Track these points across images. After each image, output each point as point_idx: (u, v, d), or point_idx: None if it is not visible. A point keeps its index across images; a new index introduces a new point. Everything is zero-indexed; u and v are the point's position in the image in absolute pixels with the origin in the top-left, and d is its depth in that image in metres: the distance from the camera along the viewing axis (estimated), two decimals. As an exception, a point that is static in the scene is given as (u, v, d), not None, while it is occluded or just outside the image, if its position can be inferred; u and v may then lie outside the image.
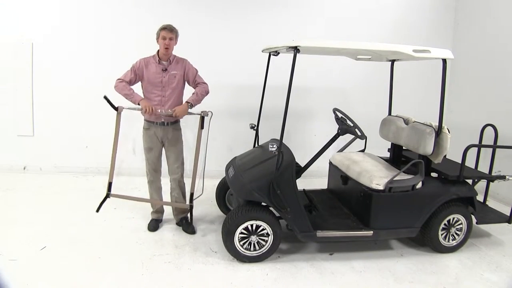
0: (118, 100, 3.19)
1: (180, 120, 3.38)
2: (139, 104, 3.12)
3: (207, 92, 3.35)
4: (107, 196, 3.22)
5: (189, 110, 3.23)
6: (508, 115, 4.43)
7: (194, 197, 3.31)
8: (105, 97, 3.01)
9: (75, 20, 4.85)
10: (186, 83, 3.37)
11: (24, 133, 4.99)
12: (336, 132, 3.18)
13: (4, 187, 4.41)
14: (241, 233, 2.87)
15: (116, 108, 3.12)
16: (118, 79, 3.19)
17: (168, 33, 3.12)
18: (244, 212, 2.86)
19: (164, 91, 3.22)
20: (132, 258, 2.95)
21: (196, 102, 3.26)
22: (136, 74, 3.20)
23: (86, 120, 4.99)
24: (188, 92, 3.38)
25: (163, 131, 3.27)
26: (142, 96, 3.27)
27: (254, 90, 4.28)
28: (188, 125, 3.65)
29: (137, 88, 3.31)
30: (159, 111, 3.14)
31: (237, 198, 3.27)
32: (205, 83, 3.36)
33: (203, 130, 3.29)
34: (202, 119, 3.27)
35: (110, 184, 3.26)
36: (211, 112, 3.32)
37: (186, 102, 3.22)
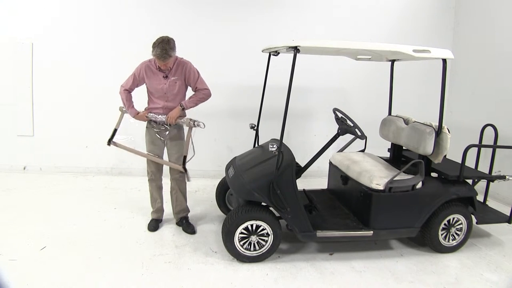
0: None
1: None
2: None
3: (206, 98, 3.29)
4: (109, 142, 3.41)
5: (180, 121, 3.23)
6: (508, 115, 4.43)
7: (187, 159, 3.34)
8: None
9: (75, 20, 4.85)
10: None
11: (24, 133, 4.99)
12: (336, 132, 3.18)
13: (4, 187, 4.41)
14: (241, 233, 2.87)
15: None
16: (122, 85, 3.25)
17: (164, 61, 2.99)
18: (244, 212, 2.85)
19: (166, 97, 3.21)
20: (132, 258, 2.94)
21: (189, 105, 3.24)
22: (138, 81, 3.23)
23: (86, 120, 4.99)
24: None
25: (166, 130, 3.27)
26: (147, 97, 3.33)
27: (254, 90, 4.28)
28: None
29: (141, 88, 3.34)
30: (150, 115, 3.22)
31: (237, 198, 3.26)
32: (205, 89, 3.28)
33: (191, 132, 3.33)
34: (190, 129, 3.30)
35: (115, 131, 3.43)
36: (203, 123, 3.24)
37: (180, 104, 3.21)
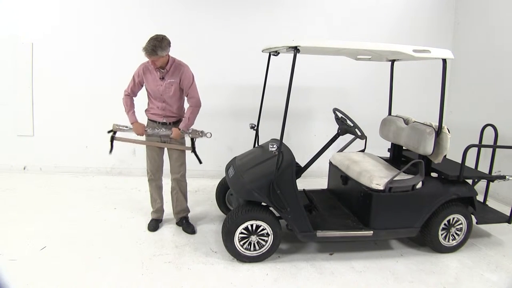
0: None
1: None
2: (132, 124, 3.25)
3: (197, 109, 3.29)
4: (112, 137, 3.31)
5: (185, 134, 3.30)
6: (508, 115, 4.43)
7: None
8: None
9: (75, 20, 4.85)
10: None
11: (24, 133, 4.99)
12: (336, 132, 3.18)
13: (4, 187, 4.41)
14: (241, 233, 2.87)
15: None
16: (125, 91, 3.25)
17: (149, 57, 2.96)
18: (244, 212, 2.86)
19: (163, 98, 3.21)
20: (132, 258, 2.95)
21: (188, 127, 3.27)
22: (138, 82, 3.23)
23: (86, 120, 4.99)
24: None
25: (166, 130, 3.27)
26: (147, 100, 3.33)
27: (254, 90, 4.28)
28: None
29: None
30: (149, 129, 3.23)
31: (237, 198, 3.27)
32: (195, 97, 3.26)
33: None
34: (192, 139, 3.33)
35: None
36: (210, 133, 3.37)
37: (178, 128, 3.22)
